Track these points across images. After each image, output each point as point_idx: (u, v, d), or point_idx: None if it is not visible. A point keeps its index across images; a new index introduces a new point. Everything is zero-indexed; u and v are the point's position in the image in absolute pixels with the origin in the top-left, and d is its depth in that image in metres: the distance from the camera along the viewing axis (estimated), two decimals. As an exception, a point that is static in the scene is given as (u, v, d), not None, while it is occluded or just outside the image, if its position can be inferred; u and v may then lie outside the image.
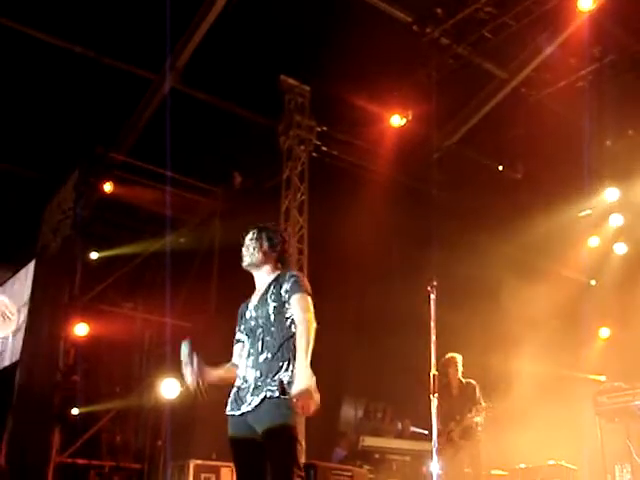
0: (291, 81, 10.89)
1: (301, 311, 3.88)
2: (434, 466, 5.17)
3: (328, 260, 10.57)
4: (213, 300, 11.58)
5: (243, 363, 4.04)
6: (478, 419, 8.05)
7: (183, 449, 10.09)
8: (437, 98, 10.34)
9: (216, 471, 8.98)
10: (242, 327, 4.15)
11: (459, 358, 8.41)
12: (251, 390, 3.89)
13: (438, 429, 8.01)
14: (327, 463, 7.48)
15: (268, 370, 3.87)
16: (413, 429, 11.56)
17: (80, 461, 10.27)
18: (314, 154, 11.07)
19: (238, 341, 4.17)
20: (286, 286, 4.01)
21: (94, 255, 11.03)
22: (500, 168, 12.19)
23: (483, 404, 8.12)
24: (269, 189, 11.18)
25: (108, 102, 9.96)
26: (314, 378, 3.69)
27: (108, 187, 10.88)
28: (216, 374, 4.09)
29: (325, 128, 11.12)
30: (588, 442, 8.74)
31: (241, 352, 4.10)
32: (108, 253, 11.13)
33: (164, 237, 11.06)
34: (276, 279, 4.10)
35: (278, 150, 10.99)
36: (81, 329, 10.28)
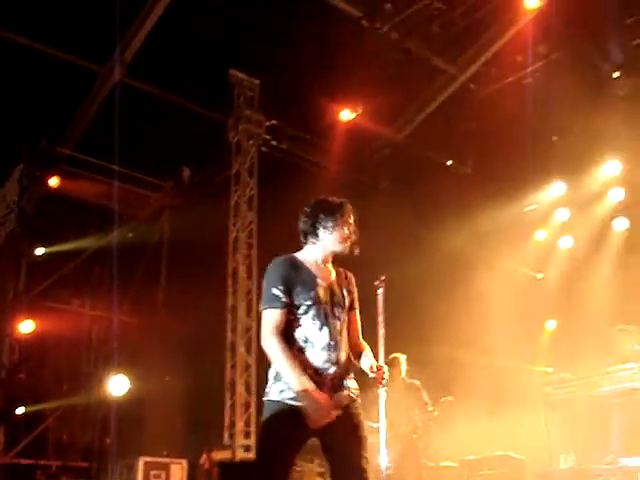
0: (240, 75, 10.84)
1: None
2: (382, 459, 5.18)
3: (278, 253, 10.53)
4: (161, 296, 11.48)
5: None
6: (435, 413, 8.08)
7: (134, 446, 9.99)
8: (387, 93, 10.40)
9: (166, 468, 8.92)
10: None
11: (402, 358, 8.37)
12: None
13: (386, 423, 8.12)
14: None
15: None
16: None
17: (25, 461, 10.08)
18: (263, 148, 11.04)
19: None
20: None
21: (40, 250, 10.82)
22: (449, 163, 12.31)
23: (430, 408, 8.13)
24: (218, 184, 11.10)
25: (55, 94, 9.77)
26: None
27: (54, 181, 10.69)
28: None
29: (274, 122, 11.08)
30: (535, 432, 8.87)
31: None
32: (54, 249, 10.94)
33: (112, 232, 10.91)
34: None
35: (227, 144, 10.93)
36: (26, 326, 10.10)
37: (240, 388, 10.01)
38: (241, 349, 10.08)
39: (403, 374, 8.39)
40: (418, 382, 8.37)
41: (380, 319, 4.93)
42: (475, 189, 11.56)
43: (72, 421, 11.33)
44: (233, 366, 10.10)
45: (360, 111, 10.78)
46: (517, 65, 10.50)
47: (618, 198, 11.66)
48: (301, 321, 3.77)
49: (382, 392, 4.93)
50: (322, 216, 4.01)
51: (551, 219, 12.43)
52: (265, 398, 3.69)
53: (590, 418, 8.02)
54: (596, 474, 7.56)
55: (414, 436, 8.05)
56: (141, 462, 8.77)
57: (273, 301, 3.72)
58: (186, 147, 10.74)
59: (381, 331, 4.97)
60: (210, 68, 10.15)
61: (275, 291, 3.74)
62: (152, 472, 8.84)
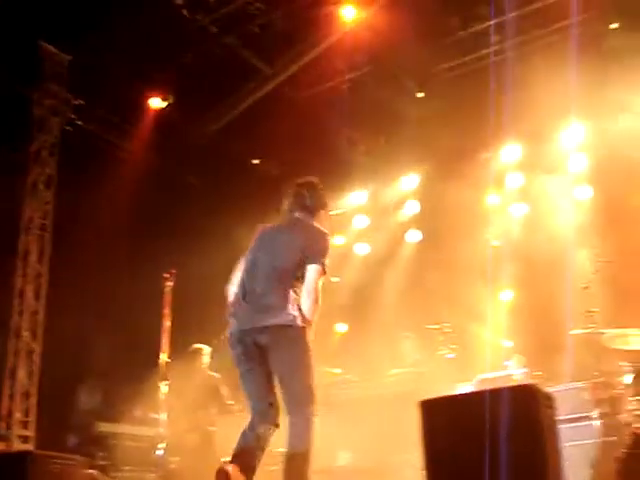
0: (51, 48, 10.35)
1: None
2: (160, 452, 5.20)
3: (73, 239, 10.18)
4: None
5: None
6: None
7: None
8: (201, 85, 10.38)
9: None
10: None
11: (206, 350, 8.38)
12: None
13: (180, 416, 8.12)
14: (47, 452, 7.11)
15: None
16: (152, 415, 11.47)
17: None
18: (68, 127, 10.64)
19: None
20: None
21: None
22: (256, 162, 12.44)
23: (230, 402, 8.19)
24: (17, 160, 10.56)
25: None
26: None
27: None
28: None
29: (82, 102, 10.71)
30: (317, 431, 9.15)
31: None
32: None
33: None
34: None
35: (30, 119, 10.42)
36: None
37: (21, 375, 9.59)
38: (26, 334, 9.66)
39: (204, 366, 8.40)
40: (218, 375, 8.40)
41: (166, 311, 4.96)
42: (280, 190, 11.75)
43: None
44: (16, 352, 9.66)
45: (171, 100, 10.70)
46: (331, 74, 10.80)
47: (414, 211, 12.28)
48: None
49: (163, 385, 4.96)
50: (326, 201, 4.83)
51: (350, 225, 12.85)
52: (300, 323, 4.38)
53: (368, 418, 8.43)
54: (369, 471, 7.98)
55: (211, 429, 8.09)
56: None
57: (325, 267, 4.49)
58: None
59: (167, 323, 4.99)
60: (19, 37, 9.61)
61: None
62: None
